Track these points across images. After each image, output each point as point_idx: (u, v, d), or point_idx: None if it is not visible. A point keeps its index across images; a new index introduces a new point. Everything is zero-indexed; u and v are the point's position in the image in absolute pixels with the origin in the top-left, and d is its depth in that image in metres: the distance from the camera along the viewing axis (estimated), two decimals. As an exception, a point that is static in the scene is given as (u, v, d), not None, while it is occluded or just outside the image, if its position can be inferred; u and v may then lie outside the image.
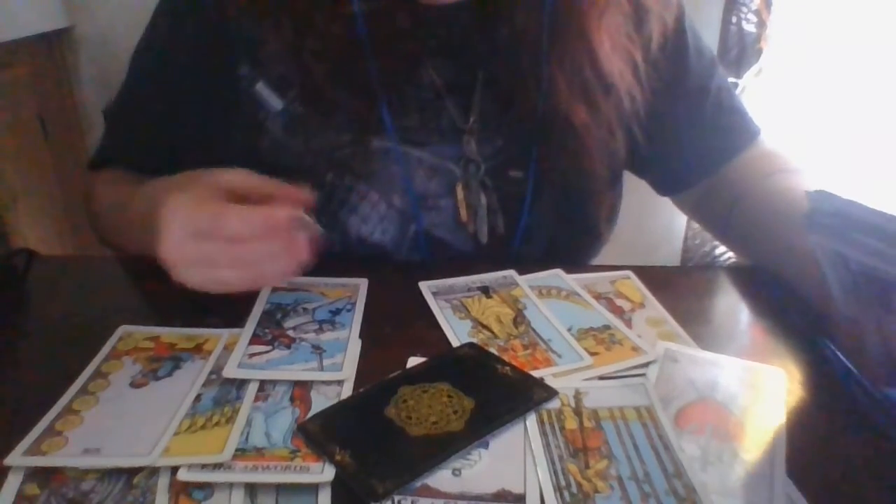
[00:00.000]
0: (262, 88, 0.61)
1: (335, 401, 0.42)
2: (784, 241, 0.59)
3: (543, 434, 0.40)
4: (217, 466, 0.36)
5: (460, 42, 0.61)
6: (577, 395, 0.43)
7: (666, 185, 0.75)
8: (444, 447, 0.38)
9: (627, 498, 0.36)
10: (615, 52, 0.60)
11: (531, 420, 0.41)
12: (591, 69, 0.60)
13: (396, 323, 0.52)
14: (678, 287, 0.59)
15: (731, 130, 0.70)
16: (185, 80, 0.63)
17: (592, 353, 0.48)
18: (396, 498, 0.35)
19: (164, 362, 0.46)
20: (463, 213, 0.62)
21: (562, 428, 0.40)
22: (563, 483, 0.36)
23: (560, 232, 0.65)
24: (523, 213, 0.63)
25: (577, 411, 0.42)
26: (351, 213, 0.61)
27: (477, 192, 0.62)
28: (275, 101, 0.61)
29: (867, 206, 0.41)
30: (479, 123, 0.62)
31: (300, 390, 0.43)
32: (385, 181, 0.61)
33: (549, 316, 0.52)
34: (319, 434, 0.39)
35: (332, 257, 0.62)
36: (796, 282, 0.57)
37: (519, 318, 0.52)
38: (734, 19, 1.31)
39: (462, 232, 0.63)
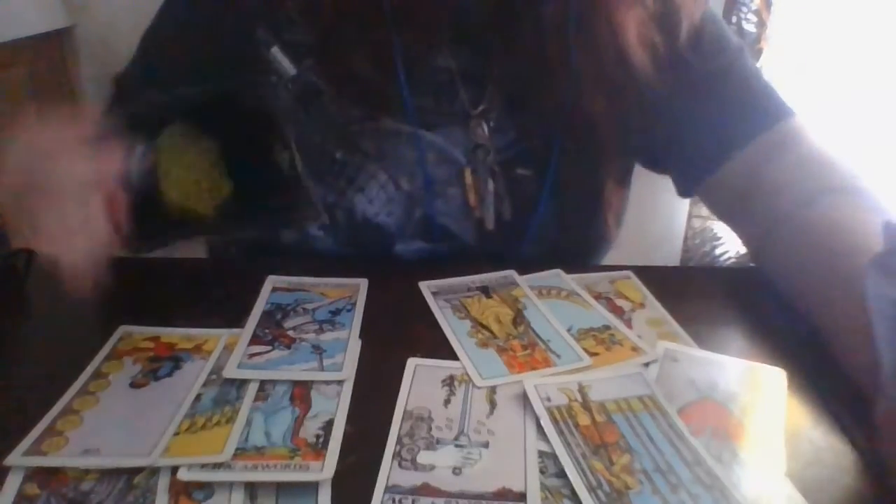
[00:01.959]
0: (276, 52, 0.60)
1: (335, 401, 0.42)
2: (825, 290, 0.51)
3: (560, 433, 0.40)
4: (217, 466, 0.36)
5: (479, 29, 0.60)
6: (582, 389, 0.43)
7: (687, 176, 0.67)
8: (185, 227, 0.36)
9: (658, 491, 0.36)
10: (640, 46, 0.58)
11: (545, 420, 0.41)
12: (616, 63, 0.58)
13: (396, 323, 0.52)
14: (678, 287, 0.59)
15: (756, 109, 0.62)
16: (201, 39, 0.62)
17: (592, 354, 0.48)
18: (397, 497, 0.35)
19: (164, 362, 0.46)
20: (471, 197, 0.62)
21: (576, 425, 0.41)
22: (593, 482, 0.36)
23: (568, 232, 0.65)
24: (532, 210, 0.63)
25: (586, 406, 0.42)
26: (358, 192, 0.61)
27: (485, 178, 0.62)
28: (288, 67, 0.60)
29: None
30: (494, 112, 0.61)
31: (300, 390, 0.43)
32: (395, 163, 0.61)
33: (548, 316, 0.52)
34: None
35: (333, 245, 0.62)
36: (835, 344, 0.49)
37: (518, 319, 0.52)
38: (734, 19, 1.31)
39: (467, 222, 0.63)
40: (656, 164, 0.70)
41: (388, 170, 0.61)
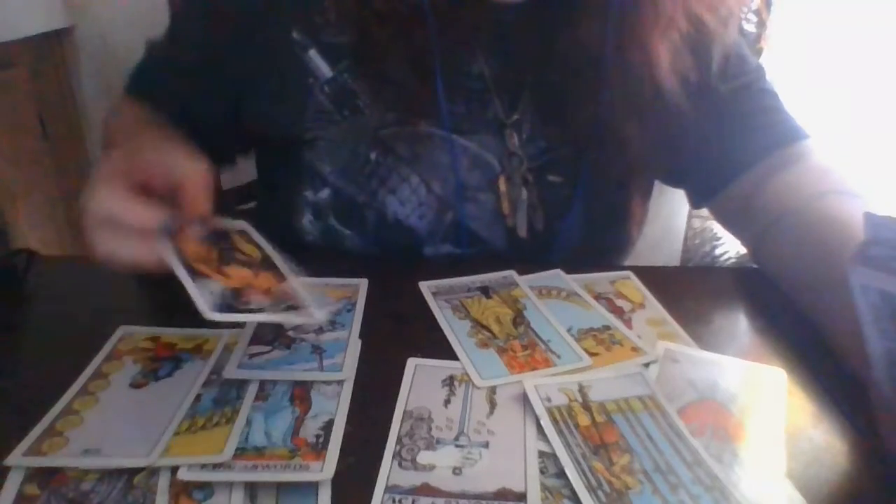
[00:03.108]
0: (314, 56, 0.60)
1: (335, 401, 0.42)
2: (822, 283, 0.52)
3: (560, 434, 0.40)
4: (217, 466, 0.36)
5: (516, 41, 0.61)
6: (583, 389, 0.43)
7: (702, 191, 0.69)
8: None
9: (658, 491, 0.36)
10: (673, 73, 0.59)
11: (545, 420, 0.41)
12: (649, 85, 0.59)
13: (396, 323, 0.52)
14: (678, 287, 0.59)
15: (770, 128, 0.64)
16: (234, 35, 0.61)
17: (592, 354, 0.48)
18: (397, 497, 0.35)
19: (164, 363, 0.46)
20: (505, 205, 0.62)
21: (576, 425, 0.41)
22: (593, 483, 0.36)
23: (593, 241, 0.66)
24: (563, 218, 0.63)
25: (586, 406, 0.42)
26: (390, 193, 0.61)
27: (518, 187, 0.62)
28: (325, 69, 0.60)
29: None
30: (527, 123, 0.62)
31: (300, 390, 0.43)
32: (427, 166, 0.61)
33: (548, 316, 0.52)
34: None
35: (361, 245, 0.62)
36: (833, 337, 0.50)
37: (518, 319, 0.52)
38: (734, 19, 1.31)
39: (498, 228, 0.63)
40: (671, 179, 0.71)
41: (420, 173, 0.61)
